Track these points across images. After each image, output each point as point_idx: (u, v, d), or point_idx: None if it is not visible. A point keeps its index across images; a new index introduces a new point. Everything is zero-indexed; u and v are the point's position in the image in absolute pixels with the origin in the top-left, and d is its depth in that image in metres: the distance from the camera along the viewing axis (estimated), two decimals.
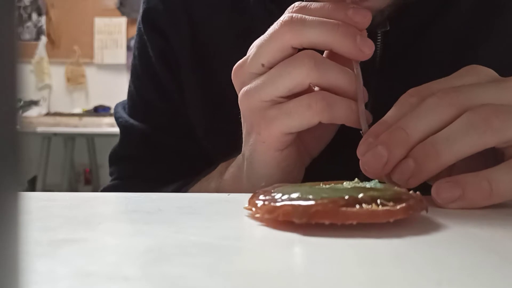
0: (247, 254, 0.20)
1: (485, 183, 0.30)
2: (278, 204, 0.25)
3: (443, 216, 0.27)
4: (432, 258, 0.20)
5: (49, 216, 0.27)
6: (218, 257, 0.19)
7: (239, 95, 0.37)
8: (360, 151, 0.32)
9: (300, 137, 0.38)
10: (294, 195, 0.25)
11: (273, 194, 0.26)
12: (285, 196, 0.25)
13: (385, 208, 0.24)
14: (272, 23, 0.36)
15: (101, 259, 0.19)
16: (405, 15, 0.44)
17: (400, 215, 0.24)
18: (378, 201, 0.24)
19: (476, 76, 0.33)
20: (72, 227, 0.25)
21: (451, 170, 0.34)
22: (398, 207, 0.24)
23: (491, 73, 0.34)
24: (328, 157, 0.41)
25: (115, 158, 0.57)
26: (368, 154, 0.32)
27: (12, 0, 0.11)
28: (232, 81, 0.38)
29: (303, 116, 0.35)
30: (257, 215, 0.26)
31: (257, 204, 0.26)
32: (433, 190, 0.30)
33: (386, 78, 0.38)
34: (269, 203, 0.25)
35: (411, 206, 0.24)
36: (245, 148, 0.40)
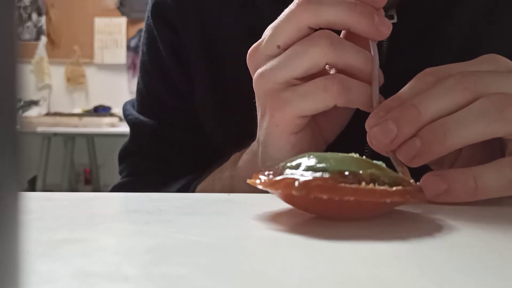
0: (247, 254, 0.20)
1: (471, 181, 0.30)
2: (279, 178, 0.25)
3: (444, 217, 0.27)
4: (433, 259, 0.20)
5: (49, 216, 0.27)
6: (218, 257, 0.19)
7: (254, 77, 0.37)
8: (369, 123, 0.32)
9: (315, 121, 0.38)
10: (297, 162, 0.25)
11: (276, 167, 0.26)
12: (289, 165, 0.26)
13: (383, 188, 0.24)
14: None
15: (101, 259, 0.19)
16: (413, 9, 0.44)
17: (397, 197, 0.24)
18: (377, 183, 0.24)
19: (494, 64, 0.33)
20: (72, 227, 0.25)
21: (457, 156, 0.34)
22: (394, 188, 0.24)
23: (509, 63, 0.34)
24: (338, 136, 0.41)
25: (125, 155, 0.57)
26: (377, 128, 0.31)
27: (12, 0, 0.11)
28: (247, 64, 0.38)
29: (319, 98, 0.34)
30: (260, 187, 0.26)
31: (261, 178, 0.26)
32: (421, 182, 0.30)
33: (392, 72, 0.38)
34: (273, 177, 0.25)
35: (409, 191, 0.25)
36: (260, 132, 0.39)
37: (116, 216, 0.30)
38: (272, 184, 0.25)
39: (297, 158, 0.26)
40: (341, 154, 0.26)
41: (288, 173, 0.25)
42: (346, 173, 0.24)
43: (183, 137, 0.54)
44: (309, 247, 0.21)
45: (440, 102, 0.30)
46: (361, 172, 0.24)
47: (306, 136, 0.38)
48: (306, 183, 0.24)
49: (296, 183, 0.24)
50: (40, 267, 0.18)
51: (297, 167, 0.25)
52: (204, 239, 0.22)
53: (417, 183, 0.28)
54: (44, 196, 0.33)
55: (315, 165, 0.25)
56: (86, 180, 3.32)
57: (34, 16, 3.36)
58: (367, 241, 0.22)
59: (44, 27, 3.37)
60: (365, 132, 0.32)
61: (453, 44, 0.45)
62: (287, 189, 0.24)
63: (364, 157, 0.28)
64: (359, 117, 0.35)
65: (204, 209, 0.29)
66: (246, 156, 0.43)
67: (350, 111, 0.39)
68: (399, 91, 0.33)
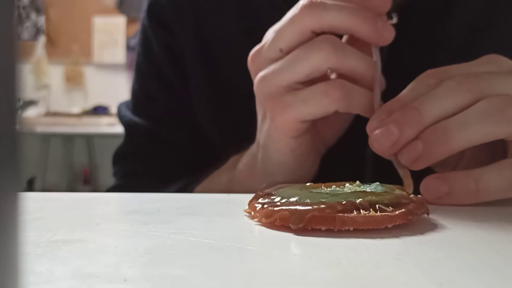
0: (247, 255, 0.20)
1: (472, 183, 0.30)
2: (276, 208, 0.24)
3: (444, 217, 0.27)
4: (433, 259, 0.20)
5: (48, 216, 0.27)
6: (218, 258, 0.19)
7: (255, 80, 0.37)
8: (370, 126, 0.32)
9: (315, 125, 0.38)
10: (293, 199, 0.25)
11: (272, 197, 0.26)
12: (284, 200, 0.25)
13: (383, 214, 0.23)
14: (278, 18, 0.36)
15: (100, 260, 0.19)
16: (413, 10, 0.44)
17: (399, 220, 0.24)
18: (377, 206, 0.24)
19: (496, 65, 0.33)
20: (71, 227, 0.25)
21: (460, 158, 0.34)
22: (397, 212, 0.24)
23: (511, 64, 0.33)
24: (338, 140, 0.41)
25: (120, 156, 0.57)
26: (378, 131, 0.31)
27: (12, 0, 0.11)
28: (248, 67, 0.38)
29: (320, 103, 0.34)
30: (255, 219, 0.26)
31: (256, 207, 0.26)
32: (421, 185, 0.30)
33: (392, 74, 0.38)
34: (268, 207, 0.25)
35: (410, 211, 0.24)
36: (260, 135, 0.39)
37: (115, 217, 0.30)
38: (267, 216, 0.24)
39: (293, 194, 0.26)
40: (335, 188, 0.26)
41: (283, 203, 0.25)
42: (344, 202, 0.24)
43: (179, 138, 0.54)
44: (309, 247, 0.21)
45: (441, 104, 0.30)
46: (358, 201, 0.24)
47: (306, 140, 0.38)
48: (301, 214, 0.23)
49: (292, 217, 0.23)
50: (39, 268, 0.18)
51: (293, 200, 0.25)
52: (204, 240, 0.22)
53: (418, 196, 0.27)
54: (43, 197, 0.33)
55: (310, 199, 0.24)
56: (85, 180, 3.32)
57: (33, 15, 3.35)
58: (367, 242, 0.22)
59: (43, 26, 3.36)
60: (365, 136, 0.32)
61: (454, 45, 0.45)
62: (283, 222, 0.24)
63: (357, 181, 0.28)
64: (359, 121, 0.35)
65: (204, 210, 0.29)
66: (245, 159, 0.43)
67: (350, 116, 0.39)
68: (400, 93, 0.33)
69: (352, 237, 0.22)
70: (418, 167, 0.31)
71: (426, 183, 0.30)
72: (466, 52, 0.44)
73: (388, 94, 0.34)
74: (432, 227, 0.25)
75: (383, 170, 0.33)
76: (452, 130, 0.29)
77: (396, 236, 0.23)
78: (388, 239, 0.22)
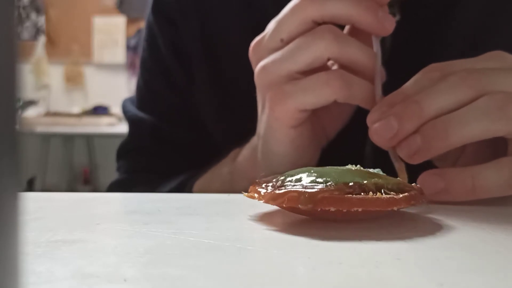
0: (247, 256, 0.20)
1: (468, 180, 0.30)
2: (282, 190, 0.24)
3: (444, 217, 0.27)
4: (434, 259, 0.20)
5: (48, 216, 0.27)
6: (218, 258, 0.19)
7: (256, 70, 0.37)
8: (371, 118, 0.32)
9: (316, 117, 0.38)
10: (298, 177, 0.25)
11: (274, 181, 0.26)
12: (289, 179, 0.25)
13: (389, 196, 0.24)
14: None
15: (100, 260, 0.19)
16: (417, 5, 0.44)
17: (403, 204, 0.24)
18: (382, 190, 0.24)
19: (500, 61, 0.33)
20: (71, 227, 0.25)
21: (461, 153, 0.34)
22: (401, 195, 0.24)
23: None
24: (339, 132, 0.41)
25: (124, 151, 0.57)
26: (379, 123, 0.31)
27: (12, 0, 0.11)
28: (249, 57, 0.38)
29: (320, 93, 0.34)
30: (261, 201, 0.25)
31: (260, 191, 0.25)
32: (418, 180, 0.30)
33: (396, 69, 0.38)
34: (273, 190, 0.25)
35: (413, 196, 0.24)
36: (260, 126, 0.39)
37: (115, 217, 0.30)
38: (274, 198, 0.24)
39: (297, 172, 0.25)
40: (340, 168, 0.26)
41: (290, 185, 0.25)
42: (351, 183, 0.24)
43: (182, 134, 0.54)
44: (309, 247, 0.21)
45: (443, 99, 0.30)
46: (365, 182, 0.24)
47: (307, 131, 0.38)
48: (311, 195, 0.23)
49: (302, 197, 0.23)
50: (38, 268, 0.18)
51: (298, 180, 0.25)
52: (204, 240, 0.22)
53: (417, 184, 0.28)
54: (43, 197, 0.33)
55: (316, 178, 0.24)
56: (85, 180, 3.32)
57: (33, 15, 3.35)
58: (367, 241, 0.22)
59: (43, 26, 3.36)
60: (365, 131, 0.32)
61: (457, 40, 0.45)
62: (292, 203, 0.23)
63: (358, 166, 0.28)
64: (359, 115, 0.35)
65: (204, 210, 0.29)
66: (245, 151, 0.43)
67: (351, 108, 0.39)
68: (403, 86, 0.33)
69: (353, 237, 0.22)
70: (416, 161, 0.31)
71: (423, 179, 0.30)
72: (469, 49, 0.44)
73: (391, 88, 0.34)
74: (432, 227, 0.25)
75: (383, 165, 0.33)
76: (451, 125, 0.30)
77: (397, 237, 0.23)
78: (389, 240, 0.22)
